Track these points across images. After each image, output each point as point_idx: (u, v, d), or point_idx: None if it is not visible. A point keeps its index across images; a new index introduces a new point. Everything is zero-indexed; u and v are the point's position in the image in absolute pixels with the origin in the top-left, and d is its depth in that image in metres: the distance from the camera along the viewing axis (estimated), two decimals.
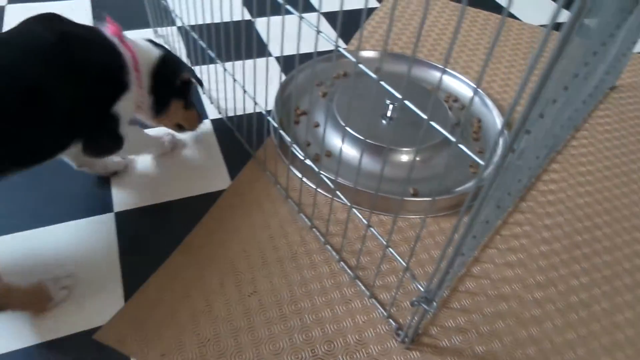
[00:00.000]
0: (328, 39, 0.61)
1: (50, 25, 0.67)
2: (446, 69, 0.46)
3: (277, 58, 1.21)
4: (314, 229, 0.83)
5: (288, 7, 0.67)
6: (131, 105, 0.77)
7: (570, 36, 0.35)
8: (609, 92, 1.26)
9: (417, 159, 0.96)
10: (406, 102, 0.53)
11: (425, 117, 0.50)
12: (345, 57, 1.20)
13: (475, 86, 0.42)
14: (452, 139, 0.48)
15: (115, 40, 0.74)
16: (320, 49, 1.27)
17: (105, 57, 0.71)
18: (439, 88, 1.00)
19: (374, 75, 0.55)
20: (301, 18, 0.64)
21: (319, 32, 0.62)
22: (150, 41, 0.84)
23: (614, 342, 0.74)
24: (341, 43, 1.33)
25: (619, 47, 0.98)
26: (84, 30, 0.71)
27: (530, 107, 0.39)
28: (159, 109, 0.84)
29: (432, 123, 0.51)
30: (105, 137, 0.75)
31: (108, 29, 0.74)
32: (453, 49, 1.30)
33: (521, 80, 0.37)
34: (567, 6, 0.32)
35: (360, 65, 0.58)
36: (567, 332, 0.74)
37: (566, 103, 0.71)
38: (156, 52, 0.81)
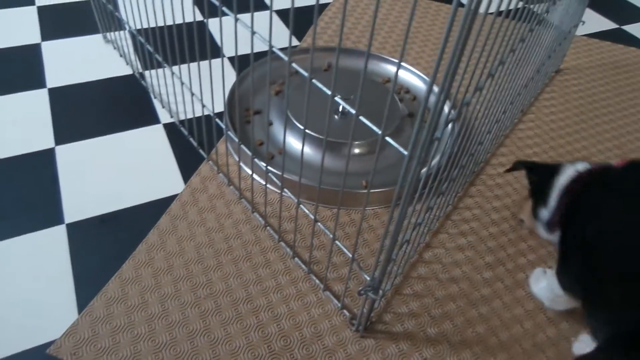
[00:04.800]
0: (263, 39, 0.62)
1: None
2: (401, 63, 0.48)
3: (230, 59, 1.21)
4: (267, 227, 0.85)
5: (225, 9, 0.67)
6: None
7: (474, 13, 0.37)
8: (554, 76, 1.31)
9: (358, 151, 0.98)
10: (336, 98, 0.54)
11: (354, 111, 0.52)
12: (298, 54, 1.21)
13: (427, 78, 0.43)
14: (379, 131, 0.50)
15: None
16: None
17: None
18: (389, 80, 1.01)
19: (305, 74, 0.56)
20: (237, 20, 0.65)
21: (253, 33, 0.63)
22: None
23: (558, 313, 0.78)
24: (294, 40, 1.34)
25: (558, 29, 1.02)
26: None
27: (448, 86, 0.41)
28: None
29: (361, 117, 0.52)
30: None
31: None
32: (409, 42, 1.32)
33: (436, 61, 0.39)
34: None
35: (294, 65, 0.59)
36: (515, 308, 0.78)
37: (505, 89, 0.73)
38: None
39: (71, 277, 0.76)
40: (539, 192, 0.75)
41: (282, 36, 1.33)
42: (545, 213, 0.72)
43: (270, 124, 1.04)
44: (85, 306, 0.73)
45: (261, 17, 1.41)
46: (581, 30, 1.49)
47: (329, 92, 0.53)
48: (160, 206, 0.87)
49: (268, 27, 1.34)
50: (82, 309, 0.72)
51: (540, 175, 0.76)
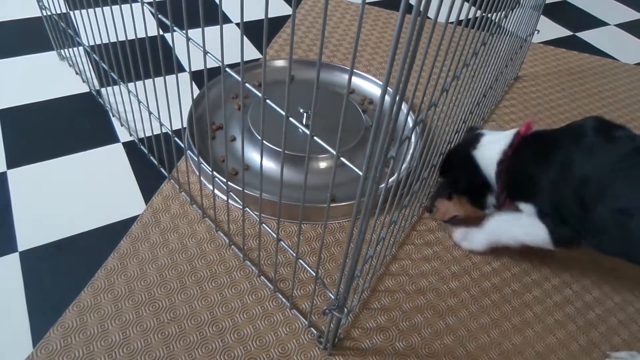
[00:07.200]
0: (215, 59, 0.61)
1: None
2: (355, 70, 0.47)
3: (195, 74, 1.19)
4: (232, 246, 0.83)
5: (175, 28, 0.66)
6: None
7: (421, 18, 0.37)
8: (513, 83, 1.34)
9: (325, 164, 0.97)
10: (291, 119, 0.53)
11: (307, 132, 0.51)
12: (259, 67, 1.21)
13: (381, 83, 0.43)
14: (333, 152, 0.50)
15: None
16: (228, 61, 1.26)
17: None
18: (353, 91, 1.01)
19: (259, 94, 0.56)
20: (188, 40, 0.64)
21: (206, 52, 0.62)
22: None
23: (523, 320, 0.79)
24: (255, 52, 1.33)
25: (514, 37, 1.05)
26: None
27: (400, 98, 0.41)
28: None
29: (315, 138, 0.52)
30: None
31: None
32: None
33: (387, 67, 0.39)
34: None
35: (247, 85, 0.58)
36: (480, 317, 0.78)
37: (463, 99, 0.74)
38: None
39: (25, 308, 0.73)
40: (473, 184, 0.82)
41: (245, 48, 1.32)
42: (492, 196, 0.81)
43: (233, 139, 1.02)
44: (41, 338, 0.69)
45: (221, 30, 1.39)
46: (537, 38, 1.53)
47: (283, 113, 0.53)
48: (120, 228, 0.85)
49: (229, 41, 1.32)
50: (37, 342, 0.69)
51: (461, 170, 0.83)
